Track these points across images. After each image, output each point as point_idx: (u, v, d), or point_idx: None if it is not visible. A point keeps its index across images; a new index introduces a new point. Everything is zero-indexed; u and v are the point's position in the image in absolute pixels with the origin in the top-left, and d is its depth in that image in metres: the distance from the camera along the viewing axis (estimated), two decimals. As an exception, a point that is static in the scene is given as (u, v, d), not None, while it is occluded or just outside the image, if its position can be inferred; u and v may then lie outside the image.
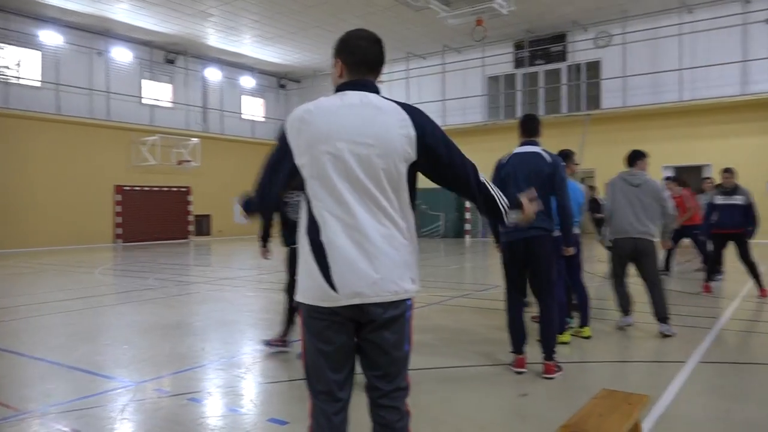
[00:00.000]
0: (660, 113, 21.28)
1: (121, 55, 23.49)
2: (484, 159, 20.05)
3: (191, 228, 25.95)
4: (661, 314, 6.29)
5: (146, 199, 23.89)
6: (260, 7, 20.06)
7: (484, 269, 13.40)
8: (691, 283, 10.44)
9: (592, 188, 11.53)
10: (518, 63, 24.30)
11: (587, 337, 6.21)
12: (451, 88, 25.74)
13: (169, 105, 25.81)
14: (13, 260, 16.68)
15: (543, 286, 4.95)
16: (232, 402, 4.41)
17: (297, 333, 5.36)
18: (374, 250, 2.23)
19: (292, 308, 5.68)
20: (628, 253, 6.57)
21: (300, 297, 2.34)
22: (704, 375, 4.85)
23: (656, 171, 21.46)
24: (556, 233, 5.04)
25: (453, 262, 14.91)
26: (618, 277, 6.83)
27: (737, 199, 9.49)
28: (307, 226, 2.32)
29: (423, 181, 2.44)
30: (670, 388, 4.44)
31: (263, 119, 30.20)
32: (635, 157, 6.70)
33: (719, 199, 9.60)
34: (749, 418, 3.89)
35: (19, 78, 20.77)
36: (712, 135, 20.49)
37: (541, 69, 23.98)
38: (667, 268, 11.36)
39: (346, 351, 2.35)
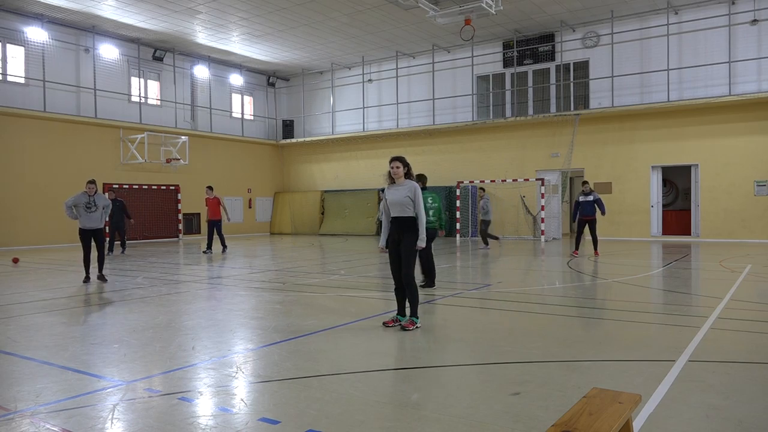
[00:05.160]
0: (648, 113, 21.43)
1: (109, 52, 23.34)
2: (473, 158, 20.43)
3: (180, 226, 25.85)
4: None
5: (135, 197, 23.76)
6: (248, 4, 19.98)
7: (474, 268, 13.43)
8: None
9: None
10: (507, 62, 24.37)
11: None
12: (441, 87, 25.78)
13: (158, 103, 25.67)
14: (0, 258, 16.53)
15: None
16: (223, 401, 4.39)
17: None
18: None
19: None
20: None
21: None
22: (694, 373, 4.89)
23: (645, 171, 21.67)
24: None
25: (443, 261, 14.93)
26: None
27: (590, 198, 15.51)
28: None
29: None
30: (660, 387, 4.48)
31: (252, 117, 30.10)
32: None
33: (581, 198, 15.60)
34: (739, 416, 3.93)
35: (4, 74, 20.59)
36: (700, 135, 20.66)
37: (530, 69, 24.08)
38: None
39: None
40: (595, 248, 15.81)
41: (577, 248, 15.98)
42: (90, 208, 10.97)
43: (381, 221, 18.42)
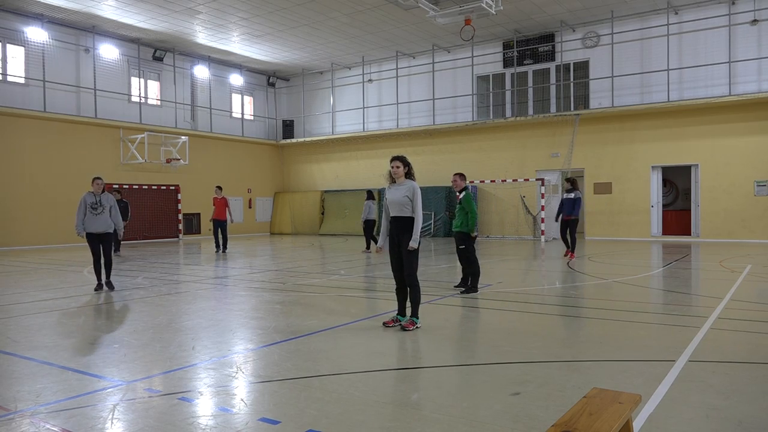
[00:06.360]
0: (648, 113, 21.43)
1: (109, 52, 23.33)
2: (473, 158, 20.48)
3: (181, 227, 25.85)
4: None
5: (135, 197, 23.74)
6: (248, 4, 19.98)
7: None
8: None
9: None
10: (507, 62, 24.37)
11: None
12: (441, 88, 25.78)
13: (158, 103, 25.67)
14: (1, 259, 16.52)
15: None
16: (222, 401, 4.39)
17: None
18: None
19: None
20: None
21: None
22: (694, 373, 4.89)
23: (645, 170, 21.66)
24: None
25: (443, 261, 14.93)
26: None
27: (571, 195, 14.40)
28: None
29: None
30: (660, 387, 4.48)
31: (252, 117, 30.10)
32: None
33: (564, 195, 14.54)
34: (739, 416, 3.93)
35: (4, 74, 20.60)
36: (700, 135, 20.66)
37: (530, 69, 24.08)
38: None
39: None
40: (573, 250, 14.59)
41: (568, 248, 14.78)
42: (96, 209, 9.87)
43: (364, 224, 18.42)
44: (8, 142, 20.25)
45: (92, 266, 10.24)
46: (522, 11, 21.07)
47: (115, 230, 10.38)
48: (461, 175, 9.67)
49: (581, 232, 22.41)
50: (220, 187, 18.61)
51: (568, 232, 14.64)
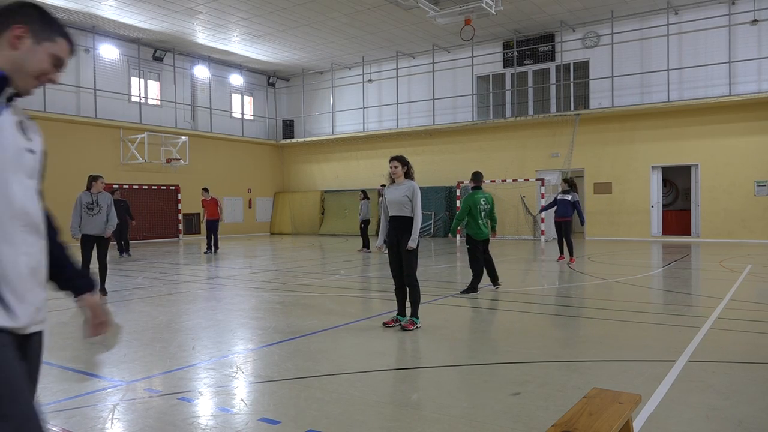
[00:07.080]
0: (648, 113, 21.42)
1: (109, 52, 23.32)
2: (473, 158, 20.46)
3: (180, 227, 25.85)
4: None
5: (135, 197, 23.73)
6: (248, 4, 19.98)
7: (473, 268, 13.41)
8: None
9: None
10: (507, 63, 24.37)
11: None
12: (441, 88, 25.77)
13: (158, 103, 25.67)
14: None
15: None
16: (223, 401, 4.39)
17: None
18: None
19: None
20: None
21: None
22: (694, 374, 4.89)
23: (645, 170, 21.65)
24: None
25: (443, 261, 14.93)
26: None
27: (567, 197, 13.65)
28: None
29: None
30: (660, 387, 4.48)
31: (252, 117, 30.10)
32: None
33: (560, 196, 13.80)
34: (739, 416, 3.92)
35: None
36: (700, 135, 20.66)
37: (530, 69, 24.08)
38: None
39: None
40: (571, 254, 13.76)
41: (561, 253, 14.32)
42: (92, 210, 9.23)
43: (362, 223, 18.64)
44: (8, 142, 20.20)
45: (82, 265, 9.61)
46: (522, 11, 21.07)
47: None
48: (473, 175, 9.67)
49: (581, 233, 22.43)
50: (206, 189, 18.70)
51: (563, 234, 14.03)
